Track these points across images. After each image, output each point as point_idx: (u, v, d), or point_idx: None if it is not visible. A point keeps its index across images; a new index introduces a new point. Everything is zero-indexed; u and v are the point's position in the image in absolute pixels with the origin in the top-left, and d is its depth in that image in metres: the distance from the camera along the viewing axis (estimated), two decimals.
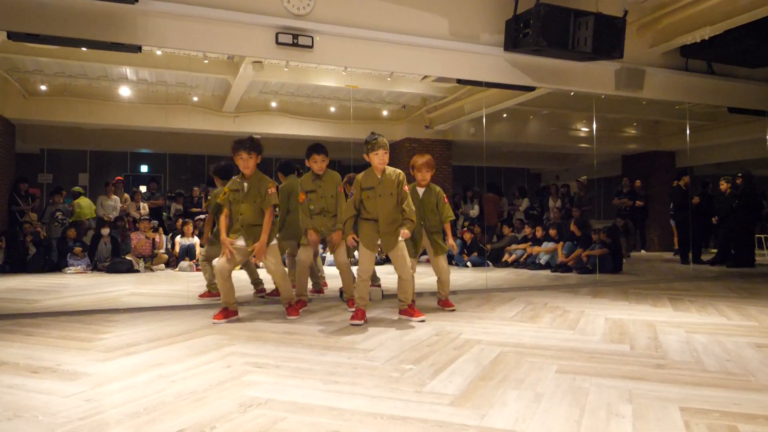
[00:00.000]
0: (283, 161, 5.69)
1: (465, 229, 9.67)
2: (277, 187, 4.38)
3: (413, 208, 4.15)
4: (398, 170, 4.17)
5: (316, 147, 4.67)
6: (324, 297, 5.56)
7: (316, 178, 4.66)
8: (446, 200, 4.75)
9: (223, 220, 4.29)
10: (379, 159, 4.09)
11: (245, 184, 4.25)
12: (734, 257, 8.76)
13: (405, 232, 4.05)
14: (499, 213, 11.20)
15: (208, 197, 6.47)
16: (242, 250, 4.23)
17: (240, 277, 6.16)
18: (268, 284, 5.74)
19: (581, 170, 12.17)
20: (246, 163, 4.19)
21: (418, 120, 10.51)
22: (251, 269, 5.71)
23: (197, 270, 8.45)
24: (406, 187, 4.15)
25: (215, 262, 4.31)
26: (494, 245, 10.04)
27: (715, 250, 9.48)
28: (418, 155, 4.69)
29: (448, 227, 4.72)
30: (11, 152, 8.76)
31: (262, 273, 5.82)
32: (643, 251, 11.19)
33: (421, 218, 4.63)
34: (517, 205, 11.51)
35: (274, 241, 4.36)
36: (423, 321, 4.21)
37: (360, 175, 4.17)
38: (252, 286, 5.71)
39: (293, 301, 4.51)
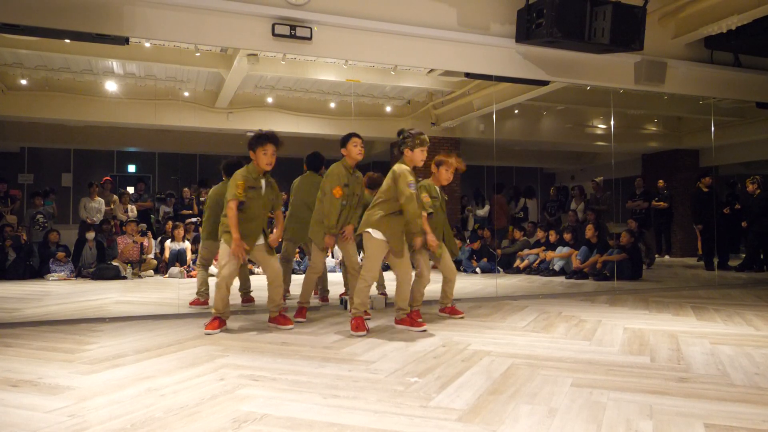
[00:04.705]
0: (313, 153, 5.69)
1: (474, 242, 9.68)
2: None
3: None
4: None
5: (354, 133, 4.68)
6: (324, 305, 5.57)
7: (353, 171, 4.65)
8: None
9: (236, 217, 4.17)
10: (423, 156, 4.18)
11: (262, 182, 4.28)
12: (765, 262, 8.75)
13: (419, 241, 4.14)
14: (508, 216, 11.22)
15: (201, 198, 6.42)
16: (261, 248, 4.30)
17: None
18: (256, 293, 5.76)
19: (598, 170, 12.13)
20: (270, 158, 4.24)
21: (424, 116, 10.51)
22: (244, 275, 5.71)
23: (188, 276, 8.48)
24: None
25: (213, 269, 4.32)
26: (505, 250, 10.03)
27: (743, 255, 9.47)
28: (446, 154, 4.73)
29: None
30: None
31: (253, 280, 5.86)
32: (667, 256, 11.17)
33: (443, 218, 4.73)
34: (513, 207, 11.52)
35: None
36: (424, 331, 4.22)
37: (406, 169, 4.15)
38: (240, 294, 5.70)
39: (282, 309, 4.48)
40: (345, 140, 4.63)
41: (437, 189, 4.76)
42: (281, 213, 4.61)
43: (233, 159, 5.44)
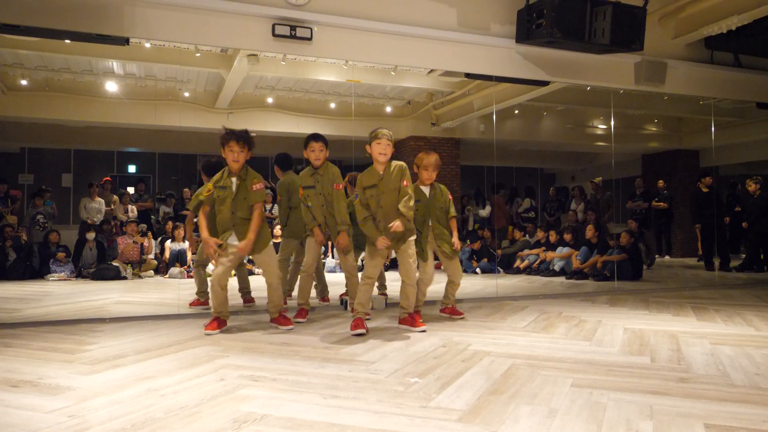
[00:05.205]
0: (279, 154, 5.70)
1: (474, 242, 9.69)
2: (270, 186, 4.39)
3: (411, 204, 4.11)
4: (400, 162, 4.19)
5: (314, 135, 4.68)
6: (324, 305, 5.57)
7: (315, 172, 4.61)
8: (450, 197, 4.82)
9: (202, 218, 4.26)
10: (381, 148, 4.09)
11: (233, 180, 4.22)
12: (765, 263, 8.76)
13: (397, 224, 3.95)
14: (507, 216, 11.23)
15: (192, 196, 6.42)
16: (235, 248, 4.22)
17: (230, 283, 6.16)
18: (256, 293, 5.76)
19: (598, 170, 12.14)
20: (236, 156, 4.16)
21: (424, 117, 10.51)
22: (243, 275, 5.71)
23: (188, 276, 8.48)
24: (407, 182, 4.14)
25: (210, 268, 4.31)
26: (505, 250, 10.04)
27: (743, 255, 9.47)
28: (423, 153, 4.69)
29: (454, 224, 4.74)
30: None
31: (253, 281, 5.86)
32: (667, 257, 11.18)
33: (430, 218, 4.65)
34: (516, 206, 11.53)
35: (271, 243, 4.35)
36: (424, 331, 4.22)
37: (361, 174, 4.19)
38: (240, 294, 5.69)
39: (280, 311, 4.44)
40: (304, 145, 4.67)
41: (422, 190, 4.66)
42: (259, 213, 4.20)
43: (210, 160, 5.35)
